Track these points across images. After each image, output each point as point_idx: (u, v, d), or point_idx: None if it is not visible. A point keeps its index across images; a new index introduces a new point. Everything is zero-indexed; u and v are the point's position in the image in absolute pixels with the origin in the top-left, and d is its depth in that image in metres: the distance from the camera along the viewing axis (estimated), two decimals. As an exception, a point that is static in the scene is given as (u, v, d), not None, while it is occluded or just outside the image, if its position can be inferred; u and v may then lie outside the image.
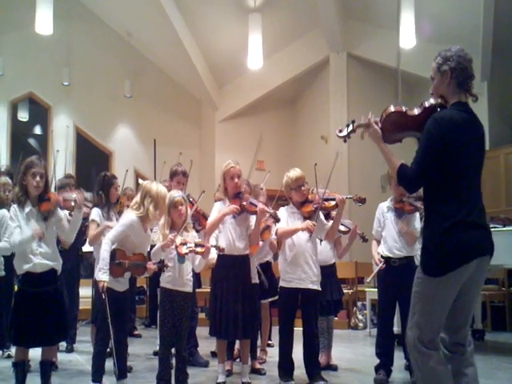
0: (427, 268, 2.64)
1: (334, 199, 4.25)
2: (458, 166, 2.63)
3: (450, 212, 2.61)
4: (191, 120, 11.89)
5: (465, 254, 2.59)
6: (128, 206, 4.05)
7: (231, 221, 4.15)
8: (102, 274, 3.51)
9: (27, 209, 3.55)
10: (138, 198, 3.75)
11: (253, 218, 4.17)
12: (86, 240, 5.49)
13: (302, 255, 4.10)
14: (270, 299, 5.02)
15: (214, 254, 4.17)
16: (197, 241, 3.79)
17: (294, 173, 4.17)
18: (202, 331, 5.35)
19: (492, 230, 5.16)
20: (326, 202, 4.21)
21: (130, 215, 3.68)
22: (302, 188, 4.15)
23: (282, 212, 4.24)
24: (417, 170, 2.65)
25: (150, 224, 3.82)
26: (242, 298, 4.07)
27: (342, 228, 4.68)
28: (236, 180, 4.14)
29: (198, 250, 3.71)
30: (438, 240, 2.61)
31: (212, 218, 4.20)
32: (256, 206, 4.10)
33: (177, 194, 3.91)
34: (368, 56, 9.91)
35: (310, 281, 4.10)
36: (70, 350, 5.47)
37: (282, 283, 4.19)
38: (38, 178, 3.55)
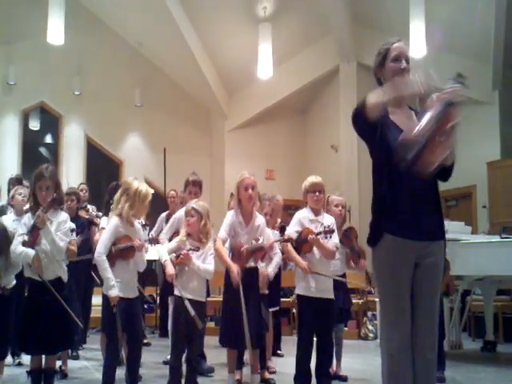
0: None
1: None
2: None
3: None
4: (201, 129, 11.90)
5: None
6: None
7: (244, 237, 4.15)
8: (113, 290, 3.51)
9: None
10: (117, 195, 3.70)
11: (265, 238, 4.19)
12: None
13: (320, 267, 4.08)
14: (273, 309, 5.00)
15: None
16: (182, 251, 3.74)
17: (313, 178, 4.23)
18: (211, 340, 5.33)
19: (506, 240, 5.18)
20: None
21: (111, 221, 3.68)
22: (317, 194, 4.15)
23: (298, 215, 4.22)
24: None
25: (137, 217, 3.75)
26: (252, 308, 4.04)
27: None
28: (250, 191, 4.14)
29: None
30: None
31: (223, 231, 4.15)
32: (262, 248, 4.11)
33: (191, 204, 3.91)
34: (378, 65, 9.87)
35: (328, 289, 4.09)
36: (75, 357, 5.42)
37: (300, 291, 4.12)
38: (43, 192, 3.55)
